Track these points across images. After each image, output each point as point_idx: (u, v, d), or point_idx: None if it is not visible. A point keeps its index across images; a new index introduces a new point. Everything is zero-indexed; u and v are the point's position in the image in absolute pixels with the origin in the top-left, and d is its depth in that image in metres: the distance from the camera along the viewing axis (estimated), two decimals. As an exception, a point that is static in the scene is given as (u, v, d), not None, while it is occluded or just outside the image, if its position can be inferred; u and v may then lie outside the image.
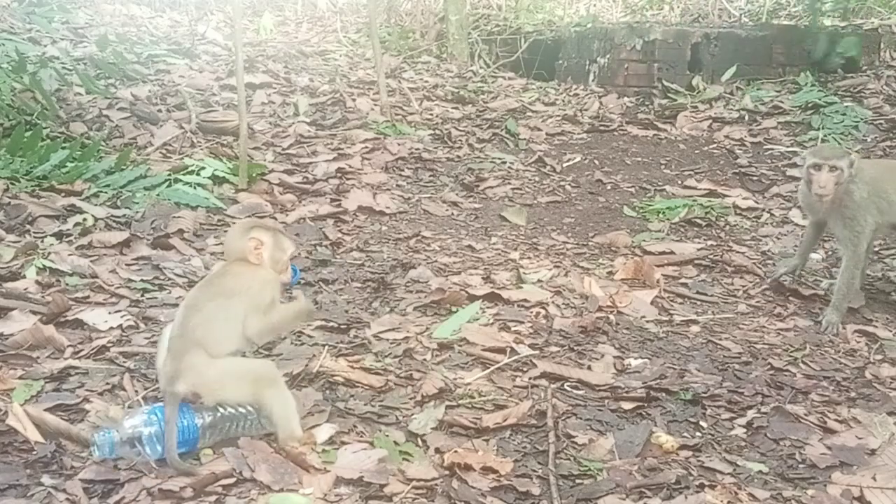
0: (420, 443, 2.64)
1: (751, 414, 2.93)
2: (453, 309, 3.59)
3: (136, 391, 2.79)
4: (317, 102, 7.02)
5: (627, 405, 2.94)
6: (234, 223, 2.79)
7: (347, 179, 5.47)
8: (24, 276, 3.60)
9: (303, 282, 3.89)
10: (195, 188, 4.82)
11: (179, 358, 2.41)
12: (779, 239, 4.87)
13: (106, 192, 4.65)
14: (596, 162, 6.38)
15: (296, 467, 2.39)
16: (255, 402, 2.48)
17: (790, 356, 3.43)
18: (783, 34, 8.33)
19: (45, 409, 2.61)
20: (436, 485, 2.41)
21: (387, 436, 2.62)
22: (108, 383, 2.83)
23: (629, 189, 5.82)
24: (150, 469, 2.36)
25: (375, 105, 7.06)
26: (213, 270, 2.73)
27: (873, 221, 3.71)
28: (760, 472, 2.60)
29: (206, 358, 2.43)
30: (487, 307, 3.67)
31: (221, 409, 2.48)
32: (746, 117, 7.28)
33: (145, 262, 3.91)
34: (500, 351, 3.26)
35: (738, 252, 4.63)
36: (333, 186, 5.30)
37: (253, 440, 2.47)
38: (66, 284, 3.59)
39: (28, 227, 4.16)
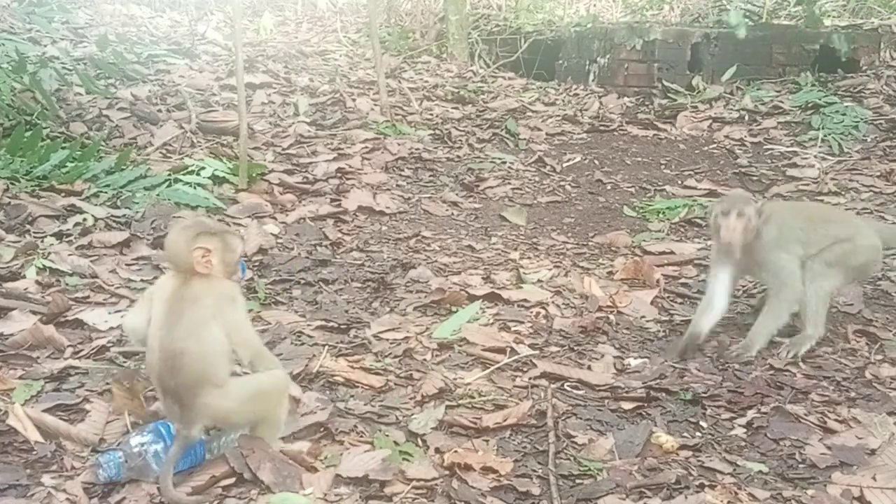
0: (420, 443, 2.64)
1: (751, 414, 2.93)
2: (453, 309, 3.59)
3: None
4: (317, 102, 7.02)
5: (627, 405, 2.94)
6: (174, 227, 2.54)
7: (347, 179, 5.47)
8: (24, 276, 3.61)
9: (303, 282, 3.90)
10: (195, 188, 4.82)
11: (190, 402, 2.29)
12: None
13: (106, 192, 4.65)
14: (596, 162, 6.38)
15: (297, 468, 2.39)
16: (266, 415, 2.42)
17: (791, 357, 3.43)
18: (783, 34, 8.32)
19: (45, 410, 2.61)
20: (436, 485, 2.42)
21: (387, 436, 2.63)
22: (107, 383, 2.82)
23: (629, 189, 5.82)
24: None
25: (375, 105, 7.06)
26: (163, 286, 2.42)
27: (794, 258, 3.57)
28: (760, 472, 2.60)
29: (216, 390, 2.32)
30: (487, 307, 3.67)
31: None
32: (746, 117, 7.28)
33: (145, 262, 3.91)
34: (500, 351, 3.26)
35: (738, 252, 4.62)
36: (333, 186, 5.30)
37: (252, 440, 2.47)
38: (66, 284, 3.59)
39: (28, 227, 4.16)
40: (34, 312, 3.25)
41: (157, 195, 4.67)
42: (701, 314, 3.55)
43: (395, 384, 2.99)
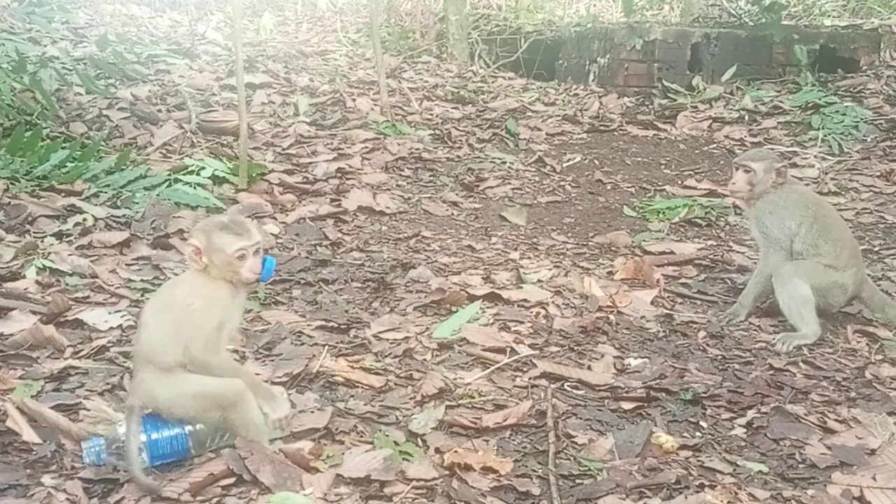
0: (420, 443, 2.64)
1: (751, 414, 2.93)
2: (453, 309, 3.59)
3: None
4: (317, 102, 7.02)
5: (627, 405, 2.94)
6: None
7: (347, 179, 5.47)
8: (24, 276, 3.60)
9: (303, 282, 3.89)
10: (195, 188, 4.82)
11: (135, 372, 2.39)
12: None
13: (106, 192, 4.65)
14: (596, 162, 6.38)
15: (297, 468, 2.39)
16: (220, 421, 2.39)
17: (791, 357, 3.43)
18: (783, 34, 8.32)
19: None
20: (436, 485, 2.41)
21: (387, 436, 2.62)
22: (108, 383, 2.83)
23: (629, 189, 5.82)
24: (148, 472, 2.36)
25: (375, 105, 7.06)
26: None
27: (786, 231, 3.69)
28: (760, 472, 2.60)
29: (158, 373, 2.34)
30: (487, 307, 3.67)
31: None
32: (746, 117, 7.29)
33: (145, 262, 3.91)
34: (500, 351, 3.26)
35: (738, 252, 4.63)
36: (333, 186, 5.30)
37: (249, 441, 2.46)
38: (66, 284, 3.59)
39: (28, 227, 4.16)
40: (34, 312, 3.24)
41: (157, 195, 4.67)
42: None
43: (395, 384, 2.98)
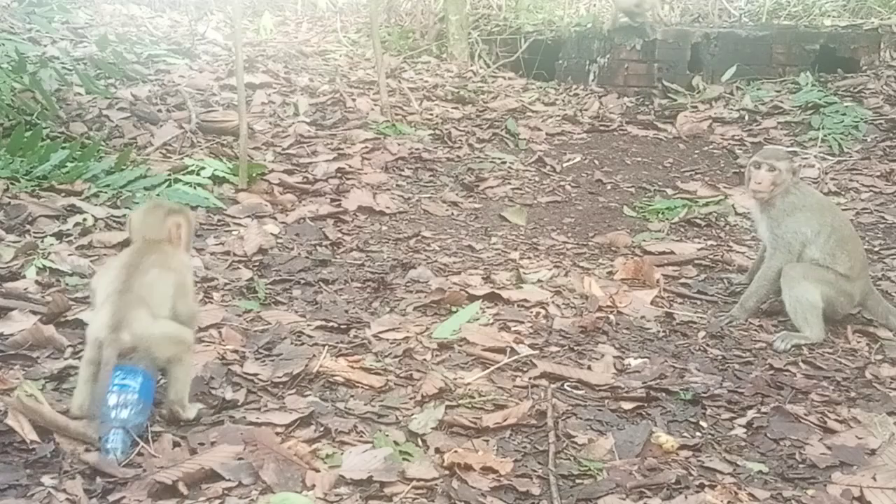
0: (420, 443, 2.64)
1: (751, 414, 2.93)
2: (453, 309, 3.59)
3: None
4: (317, 102, 7.01)
5: (627, 405, 2.94)
6: (146, 207, 2.88)
7: (347, 179, 5.47)
8: (24, 276, 3.60)
9: (303, 282, 3.90)
10: (195, 188, 4.82)
11: (125, 310, 2.50)
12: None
13: (106, 192, 4.65)
14: (596, 162, 6.38)
15: (300, 467, 2.39)
16: (171, 363, 2.60)
17: (790, 356, 3.44)
18: (783, 34, 8.33)
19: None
20: (436, 485, 2.42)
21: (387, 436, 2.62)
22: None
23: (629, 189, 5.82)
24: (153, 468, 2.36)
25: (375, 105, 7.06)
26: (126, 252, 2.75)
27: (799, 235, 3.69)
28: (760, 472, 2.60)
29: (150, 315, 2.55)
30: (487, 307, 3.67)
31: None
32: (746, 117, 7.29)
33: (145, 262, 3.90)
34: (500, 351, 3.26)
35: (738, 252, 4.63)
36: (333, 186, 5.30)
37: (257, 438, 2.47)
38: (66, 284, 3.59)
39: (28, 227, 4.15)
40: (34, 312, 3.24)
41: (157, 195, 4.66)
42: (759, 261, 3.94)
43: (395, 384, 2.98)
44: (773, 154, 3.82)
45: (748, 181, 3.80)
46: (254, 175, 5.15)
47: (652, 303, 3.88)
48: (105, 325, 2.48)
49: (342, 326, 3.42)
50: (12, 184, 4.58)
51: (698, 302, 3.98)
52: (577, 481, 2.50)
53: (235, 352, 3.10)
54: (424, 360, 3.18)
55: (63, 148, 4.91)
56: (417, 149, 6.22)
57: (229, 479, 2.34)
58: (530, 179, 5.92)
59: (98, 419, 2.43)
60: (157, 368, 2.61)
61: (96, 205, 4.49)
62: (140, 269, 2.59)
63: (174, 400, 2.60)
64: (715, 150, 6.68)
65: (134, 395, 2.48)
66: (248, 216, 4.67)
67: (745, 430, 2.84)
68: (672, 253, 4.55)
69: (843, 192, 5.67)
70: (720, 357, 3.39)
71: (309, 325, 3.40)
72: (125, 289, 2.54)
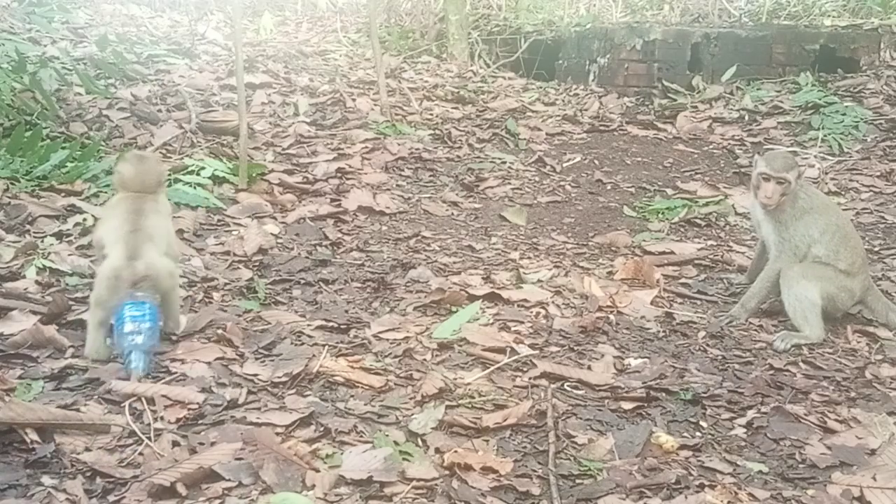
0: (420, 443, 2.64)
1: (751, 414, 2.93)
2: (453, 309, 3.59)
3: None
4: (317, 102, 7.01)
5: (627, 405, 2.94)
6: (135, 156, 3.38)
7: (347, 179, 5.47)
8: (24, 276, 3.60)
9: (303, 282, 3.90)
10: (195, 188, 4.82)
11: (139, 245, 2.99)
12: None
13: (106, 193, 4.64)
14: (596, 162, 6.38)
15: (300, 467, 2.39)
16: (167, 292, 3.05)
17: (790, 356, 3.44)
18: (783, 34, 8.33)
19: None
20: (436, 485, 2.42)
21: (387, 436, 2.63)
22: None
23: (629, 189, 5.82)
24: (152, 469, 2.36)
25: (375, 105, 7.05)
26: (124, 201, 3.18)
27: (803, 238, 3.71)
28: (760, 472, 2.61)
29: (157, 251, 3.04)
30: (487, 307, 3.67)
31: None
32: (746, 117, 7.28)
33: (145, 262, 3.90)
34: (500, 351, 3.26)
35: (738, 252, 4.63)
36: (333, 186, 5.30)
37: (257, 438, 2.46)
38: (66, 284, 3.59)
39: (28, 227, 4.16)
40: (34, 312, 3.24)
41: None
42: (758, 260, 4.00)
43: (395, 384, 2.98)
44: (782, 165, 3.73)
45: (755, 189, 3.78)
46: (254, 175, 5.15)
47: (652, 303, 3.88)
48: (122, 256, 2.94)
49: (342, 326, 3.42)
50: (12, 184, 4.58)
51: (698, 302, 3.98)
52: (577, 481, 2.50)
53: (235, 351, 3.10)
54: (424, 360, 3.18)
55: (63, 148, 4.91)
56: (417, 149, 6.22)
57: (229, 479, 2.34)
58: (530, 179, 5.92)
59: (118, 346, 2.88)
60: (154, 296, 3.00)
61: (96, 205, 4.48)
62: (143, 213, 3.07)
63: (171, 321, 3.11)
64: (715, 150, 6.68)
65: (145, 322, 2.87)
66: (248, 216, 4.67)
67: (745, 430, 2.85)
68: (672, 253, 4.55)
69: (843, 192, 5.67)
70: (720, 357, 3.39)
71: (309, 325, 3.40)
72: (135, 229, 3.01)
